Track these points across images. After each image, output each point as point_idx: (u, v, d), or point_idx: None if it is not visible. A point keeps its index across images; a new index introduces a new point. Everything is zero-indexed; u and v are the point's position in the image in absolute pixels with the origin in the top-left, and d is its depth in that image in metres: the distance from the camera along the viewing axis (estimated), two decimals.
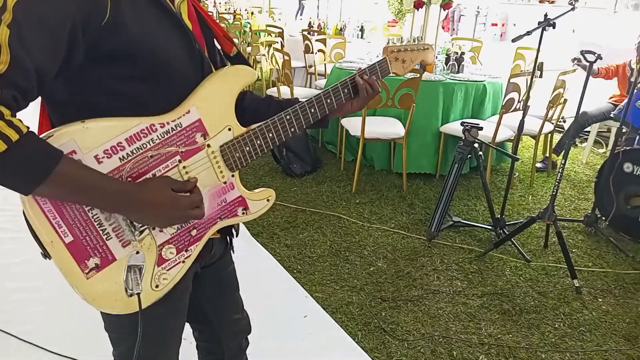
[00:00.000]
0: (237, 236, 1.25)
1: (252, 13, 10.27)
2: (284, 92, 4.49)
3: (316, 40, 6.12)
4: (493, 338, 2.29)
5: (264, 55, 4.89)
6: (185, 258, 0.98)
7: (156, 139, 0.91)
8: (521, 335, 2.32)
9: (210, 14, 9.34)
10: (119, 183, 0.86)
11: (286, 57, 4.12)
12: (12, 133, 0.71)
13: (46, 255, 0.85)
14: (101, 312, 1.01)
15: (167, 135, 0.92)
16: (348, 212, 3.46)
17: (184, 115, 0.94)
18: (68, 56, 0.79)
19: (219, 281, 1.24)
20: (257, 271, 2.66)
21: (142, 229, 0.91)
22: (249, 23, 9.09)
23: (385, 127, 3.85)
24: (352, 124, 3.88)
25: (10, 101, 0.72)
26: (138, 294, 0.90)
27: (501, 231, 3.16)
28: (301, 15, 11.48)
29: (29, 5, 0.73)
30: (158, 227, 0.92)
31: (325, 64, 5.76)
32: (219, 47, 1.07)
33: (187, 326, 1.32)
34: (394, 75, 1.33)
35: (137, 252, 0.92)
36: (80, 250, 0.87)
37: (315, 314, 2.39)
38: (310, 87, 5.80)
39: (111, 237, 0.89)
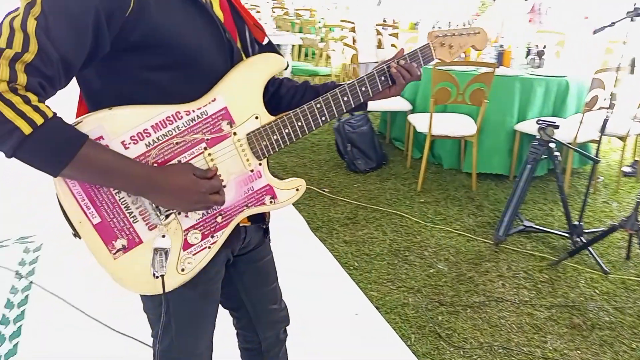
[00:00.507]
0: (266, 225, 1.25)
1: (328, 9, 10.32)
2: None
3: (389, 35, 6.03)
4: (559, 353, 2.13)
5: (334, 50, 4.89)
6: (212, 244, 0.99)
7: (182, 126, 0.92)
8: (591, 353, 2.13)
9: (286, 10, 9.47)
10: (141, 166, 0.88)
11: (354, 52, 4.08)
12: (37, 117, 0.74)
13: (76, 234, 0.89)
14: (140, 294, 1.05)
15: (192, 122, 0.93)
16: (411, 211, 3.37)
17: (209, 103, 0.94)
18: (94, 46, 0.81)
19: (256, 270, 1.24)
20: (312, 265, 2.65)
21: (167, 213, 0.93)
22: (323, 19, 9.15)
23: (454, 124, 3.70)
24: (419, 120, 3.77)
25: (38, 88, 0.76)
26: (162, 276, 0.92)
27: (578, 239, 2.92)
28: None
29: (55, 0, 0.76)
30: (179, 210, 0.93)
31: None
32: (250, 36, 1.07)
33: (227, 313, 1.34)
34: (439, 61, 1.26)
35: (163, 236, 0.93)
36: (108, 231, 0.90)
37: (368, 312, 2.34)
38: None
39: (138, 220, 0.91)
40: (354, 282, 2.56)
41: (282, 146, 1.04)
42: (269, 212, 1.26)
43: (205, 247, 0.98)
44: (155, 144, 0.90)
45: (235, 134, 0.98)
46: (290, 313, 1.40)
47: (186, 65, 0.91)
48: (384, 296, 2.48)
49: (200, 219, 0.97)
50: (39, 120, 0.75)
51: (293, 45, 6.27)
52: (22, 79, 0.73)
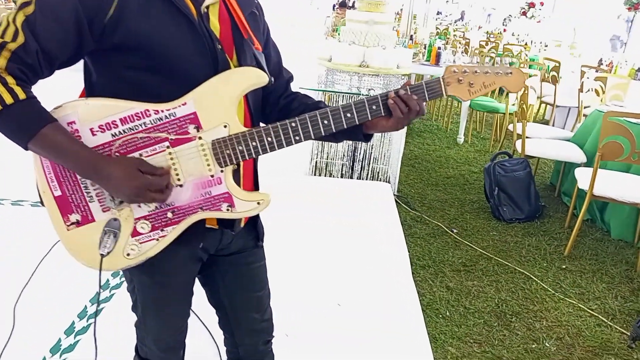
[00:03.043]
0: (261, 235, 1.26)
1: (546, 45, 9.54)
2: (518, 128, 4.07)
3: (595, 79, 5.33)
4: None
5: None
6: (160, 237, 1.05)
7: (148, 123, 1.00)
8: None
9: (495, 44, 9.03)
10: (90, 152, 0.98)
11: (524, 90, 3.73)
12: (8, 97, 0.90)
13: (41, 202, 1.05)
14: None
15: (159, 121, 1.00)
16: (543, 275, 2.94)
17: (179, 106, 1.00)
18: (78, 44, 0.95)
19: (239, 274, 1.26)
20: (393, 301, 2.50)
21: (121, 199, 1.02)
22: (537, 56, 8.49)
23: (629, 188, 3.10)
24: (584, 174, 3.26)
25: (18, 73, 0.92)
26: (102, 255, 1.02)
27: None
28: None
29: (44, 1, 0.92)
30: (118, 198, 1.01)
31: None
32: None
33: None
34: (459, 98, 1.11)
35: (115, 219, 1.03)
36: (66, 205, 1.03)
37: None
38: (565, 127, 5.08)
39: (94, 200, 1.03)
40: (428, 330, 2.33)
41: (247, 158, 1.05)
42: (260, 221, 1.28)
43: (153, 239, 1.05)
44: (121, 136, 1.00)
45: (200, 138, 1.02)
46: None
47: (162, 69, 0.99)
48: (462, 356, 2.22)
49: (152, 212, 1.04)
50: (9, 100, 0.91)
51: None
52: (2, 63, 0.90)
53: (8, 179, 3.42)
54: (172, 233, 1.05)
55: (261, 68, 1.06)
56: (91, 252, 1.03)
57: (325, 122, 1.05)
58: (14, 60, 0.91)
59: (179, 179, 1.03)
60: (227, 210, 1.06)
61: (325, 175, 4.06)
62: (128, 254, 1.05)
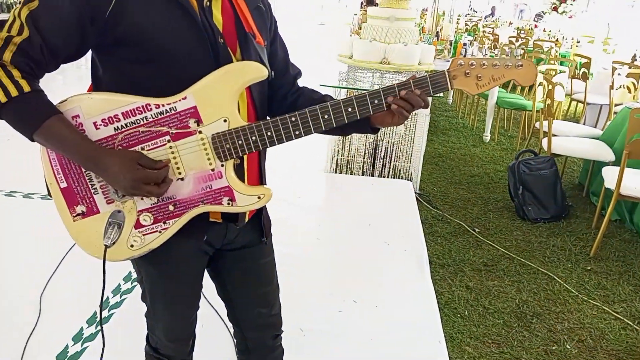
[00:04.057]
0: (266, 231, 1.26)
1: (578, 42, 9.28)
2: (545, 126, 3.97)
3: (627, 76, 5.16)
4: None
5: (541, 84, 4.42)
6: (163, 229, 1.06)
7: (150, 117, 1.02)
8: None
9: (525, 40, 8.83)
10: (90, 145, 1.00)
11: (549, 87, 3.63)
12: (13, 90, 0.93)
13: (48, 193, 1.08)
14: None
15: (160, 115, 1.02)
16: (567, 277, 2.86)
17: (180, 100, 1.02)
18: (81, 38, 0.97)
19: (245, 269, 1.27)
20: (409, 298, 2.48)
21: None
22: (568, 52, 8.27)
23: None
24: (612, 173, 3.16)
25: (24, 66, 0.95)
26: (106, 246, 1.04)
27: None
28: None
29: None
30: (119, 190, 1.03)
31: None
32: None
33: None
34: (466, 91, 1.09)
35: (119, 211, 1.05)
36: (72, 196, 1.05)
37: None
38: (597, 126, 4.92)
39: (98, 193, 1.05)
40: (443, 329, 2.30)
41: (247, 152, 1.05)
42: (267, 216, 1.29)
43: (156, 231, 1.06)
44: (123, 129, 1.02)
45: (200, 132, 1.03)
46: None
47: (162, 63, 1.01)
48: (479, 356, 2.18)
49: (155, 204, 1.05)
50: (14, 92, 0.93)
51: None
52: (7, 56, 0.93)
53: (38, 173, 3.53)
54: (174, 226, 1.07)
55: (262, 62, 1.06)
56: (96, 242, 1.06)
57: (326, 116, 1.05)
58: (19, 54, 0.94)
59: (180, 173, 1.04)
60: (228, 204, 1.07)
61: (346, 173, 4.05)
62: (132, 245, 1.07)
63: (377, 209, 3.43)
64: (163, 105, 1.02)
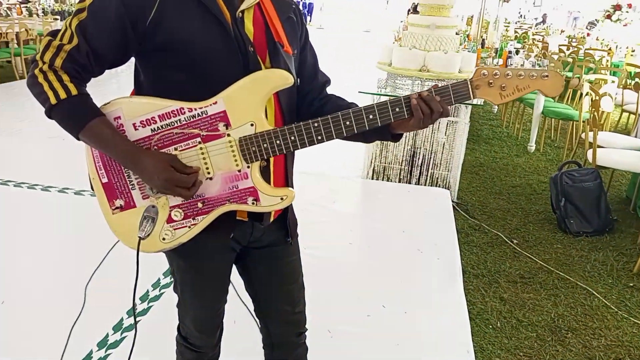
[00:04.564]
0: (292, 231, 1.31)
1: (633, 51, 8.90)
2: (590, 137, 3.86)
3: None
4: None
5: (588, 93, 4.30)
6: (192, 225, 1.13)
7: (183, 120, 1.09)
8: None
9: (576, 48, 8.57)
10: (130, 145, 1.08)
11: (596, 97, 3.53)
12: (62, 93, 1.03)
13: (91, 188, 1.17)
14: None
15: (192, 119, 1.09)
16: (607, 292, 2.77)
17: (210, 105, 1.09)
18: (124, 46, 1.06)
19: (270, 266, 1.33)
20: (439, 307, 2.47)
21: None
22: (621, 62, 7.96)
23: None
24: None
25: (72, 71, 1.04)
26: (140, 238, 1.12)
27: None
28: None
29: (95, 7, 1.03)
30: (152, 187, 1.11)
31: None
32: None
33: None
34: (490, 101, 1.10)
35: (153, 206, 1.13)
36: (111, 191, 1.14)
37: None
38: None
39: (135, 188, 1.13)
40: (473, 340, 2.28)
41: (272, 155, 1.11)
42: (293, 217, 1.34)
43: (186, 226, 1.14)
44: (159, 131, 1.10)
45: (229, 135, 1.10)
46: None
47: (196, 69, 1.08)
48: None
49: (185, 201, 1.13)
50: (63, 95, 1.03)
51: None
52: (58, 62, 1.03)
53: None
54: (203, 222, 1.14)
55: (288, 70, 1.12)
56: (132, 234, 1.14)
57: (347, 122, 1.09)
58: (69, 60, 1.04)
59: (209, 172, 1.11)
60: (253, 203, 1.13)
61: (382, 180, 4.07)
62: (163, 239, 1.14)
63: (412, 216, 3.44)
64: (195, 109, 1.09)
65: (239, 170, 1.12)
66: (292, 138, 1.10)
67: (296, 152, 1.18)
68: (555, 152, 5.50)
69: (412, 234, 3.19)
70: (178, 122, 1.10)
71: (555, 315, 2.54)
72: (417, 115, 1.08)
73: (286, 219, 1.31)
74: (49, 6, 9.98)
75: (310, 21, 20.62)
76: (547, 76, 1.07)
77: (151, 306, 2.33)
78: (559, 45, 9.04)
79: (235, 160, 1.11)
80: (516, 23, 15.66)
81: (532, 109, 5.39)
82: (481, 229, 3.47)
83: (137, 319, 2.27)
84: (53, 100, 1.04)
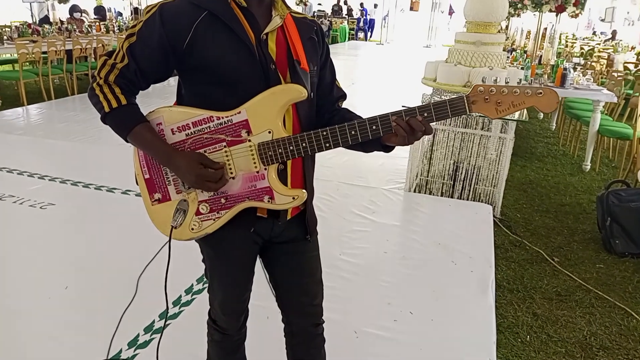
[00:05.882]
0: (311, 229, 1.45)
1: None
2: None
3: None
4: None
5: None
6: (216, 218, 1.31)
7: (212, 127, 1.27)
8: None
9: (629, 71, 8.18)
10: (167, 147, 1.27)
11: None
12: (114, 102, 1.24)
13: (136, 182, 1.37)
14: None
15: (219, 126, 1.27)
16: None
17: (235, 114, 1.26)
18: (166, 65, 1.26)
19: (289, 261, 1.47)
20: (467, 317, 2.51)
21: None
22: None
23: None
24: None
25: (123, 85, 1.25)
26: (172, 227, 1.31)
27: None
28: None
29: (142, 33, 1.24)
30: (185, 183, 1.29)
31: None
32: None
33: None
34: (486, 116, 1.20)
35: (185, 200, 1.32)
36: (152, 185, 1.34)
37: None
38: None
39: (171, 184, 1.32)
40: (503, 355, 2.32)
41: (286, 159, 1.27)
42: (313, 216, 1.48)
43: (211, 219, 1.31)
44: (192, 135, 1.29)
45: (249, 140, 1.27)
46: None
47: (224, 85, 1.26)
48: None
49: (211, 197, 1.30)
50: (115, 104, 1.24)
51: (607, 102, 5.55)
52: (111, 78, 1.24)
53: None
54: (225, 216, 1.31)
55: (303, 85, 1.28)
56: (166, 223, 1.33)
57: (353, 132, 1.23)
58: (120, 76, 1.25)
59: (231, 172, 1.28)
60: (268, 201, 1.29)
61: (425, 193, 4.13)
62: (192, 228, 1.33)
63: (449, 229, 3.48)
64: (222, 118, 1.27)
65: (257, 172, 1.28)
66: (304, 145, 1.25)
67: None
68: (612, 171, 5.32)
69: (447, 246, 3.24)
70: (208, 128, 1.28)
71: (587, 333, 2.52)
72: (399, 132, 1.21)
73: (305, 217, 1.45)
74: (124, 23, 10.77)
75: (370, 36, 20.90)
76: (541, 93, 1.16)
77: (182, 311, 2.50)
78: (624, 63, 8.68)
79: (254, 163, 1.28)
80: (584, 39, 15.11)
81: (588, 127, 5.26)
82: (522, 246, 3.46)
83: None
84: (107, 109, 1.25)
